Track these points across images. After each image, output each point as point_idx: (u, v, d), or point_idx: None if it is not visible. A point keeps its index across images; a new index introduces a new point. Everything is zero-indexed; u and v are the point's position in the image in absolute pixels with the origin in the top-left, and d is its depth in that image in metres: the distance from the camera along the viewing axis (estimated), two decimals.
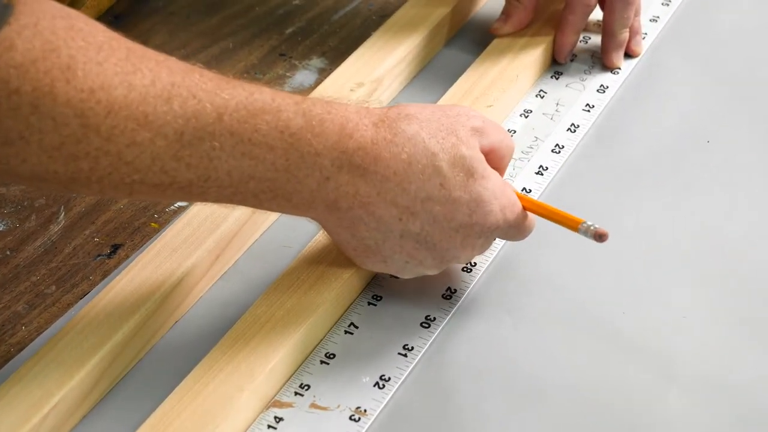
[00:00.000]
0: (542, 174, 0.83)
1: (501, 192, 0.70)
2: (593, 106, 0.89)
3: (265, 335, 0.69)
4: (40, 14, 0.59)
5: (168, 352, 0.72)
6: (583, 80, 0.92)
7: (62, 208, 0.81)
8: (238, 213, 0.76)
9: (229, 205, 0.67)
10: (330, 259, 0.74)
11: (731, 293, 0.75)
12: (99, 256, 0.78)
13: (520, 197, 0.72)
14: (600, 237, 0.69)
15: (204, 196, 0.66)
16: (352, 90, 0.87)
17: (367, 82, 0.88)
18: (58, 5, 0.60)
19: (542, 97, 0.90)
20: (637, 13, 0.92)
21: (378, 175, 0.67)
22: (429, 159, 0.68)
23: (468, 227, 0.69)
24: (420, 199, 0.68)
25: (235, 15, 1.00)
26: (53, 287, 0.75)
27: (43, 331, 0.72)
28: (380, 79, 0.88)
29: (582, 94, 0.90)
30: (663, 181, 0.83)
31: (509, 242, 0.77)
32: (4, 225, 0.80)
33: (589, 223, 0.69)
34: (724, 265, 0.77)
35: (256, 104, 0.65)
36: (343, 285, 0.72)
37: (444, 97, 0.87)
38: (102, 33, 0.62)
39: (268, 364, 0.68)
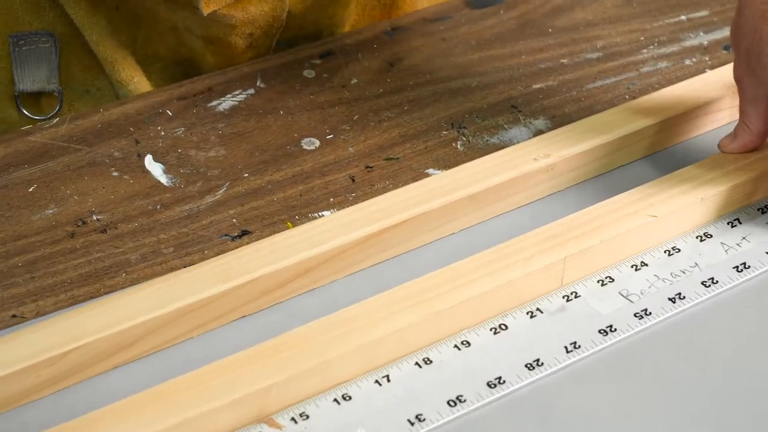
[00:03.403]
0: (642, 317, 0.78)
1: None
2: (748, 267, 0.81)
3: (305, 348, 0.72)
4: None
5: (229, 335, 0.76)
6: None
7: (228, 184, 0.87)
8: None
9: None
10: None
11: None
12: (225, 236, 0.83)
13: None
14: None
15: None
16: (535, 159, 0.86)
17: (555, 155, 0.86)
18: None
19: (702, 240, 0.84)
20: None
21: None
22: None
23: None
24: None
25: (501, 57, 1.01)
26: (171, 249, 0.82)
27: (137, 284, 0.79)
28: (568, 158, 0.86)
29: (748, 254, 0.82)
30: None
31: None
32: (172, 182, 0.87)
33: None
34: None
35: None
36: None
37: (609, 200, 0.83)
38: None
39: (274, 379, 0.70)
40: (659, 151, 0.91)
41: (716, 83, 0.93)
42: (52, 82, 0.96)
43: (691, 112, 0.91)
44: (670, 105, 0.91)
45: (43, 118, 0.96)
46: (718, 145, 0.87)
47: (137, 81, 0.97)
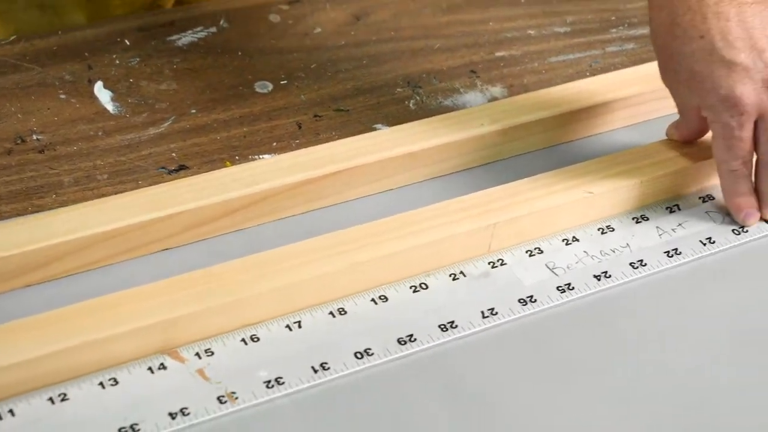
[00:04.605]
0: (565, 291, 0.77)
1: None
2: (679, 253, 0.81)
3: (219, 285, 0.71)
4: None
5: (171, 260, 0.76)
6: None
7: (174, 118, 0.87)
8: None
9: None
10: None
11: None
12: (162, 168, 0.83)
13: None
14: None
15: None
16: (482, 125, 0.85)
17: (502, 123, 0.86)
18: None
19: (638, 222, 0.83)
20: None
21: None
22: None
23: None
24: None
25: (469, 22, 1.00)
26: (105, 176, 0.81)
27: (65, 206, 0.79)
28: (514, 127, 0.86)
29: (682, 240, 0.81)
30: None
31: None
32: (118, 110, 0.87)
33: None
34: None
35: None
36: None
37: (549, 172, 0.82)
38: None
39: (181, 312, 0.70)
40: (610, 131, 0.90)
41: None
42: None
43: (641, 96, 0.90)
44: (625, 86, 0.90)
45: None
46: (666, 131, 0.87)
47: None
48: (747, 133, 0.80)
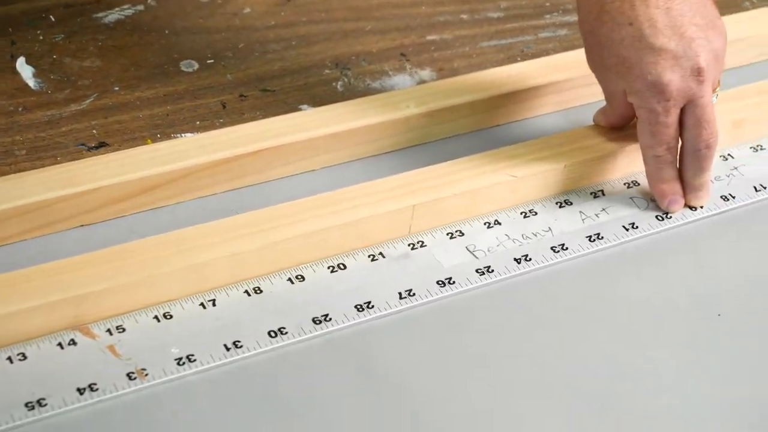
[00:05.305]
0: (484, 274, 0.77)
1: None
2: (601, 238, 0.81)
3: (132, 262, 0.71)
4: None
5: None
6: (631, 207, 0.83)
7: (96, 95, 0.86)
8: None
9: None
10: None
11: None
12: (82, 144, 0.82)
13: None
14: None
15: None
16: (407, 107, 0.85)
17: (428, 106, 0.85)
18: None
19: (561, 206, 0.83)
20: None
21: None
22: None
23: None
24: None
25: (401, 4, 1.00)
26: (23, 151, 0.80)
27: None
28: (440, 111, 0.85)
29: (605, 225, 0.81)
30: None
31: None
32: (39, 86, 0.86)
33: None
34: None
35: None
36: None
37: (472, 156, 0.82)
38: None
39: (93, 288, 0.69)
40: (538, 116, 0.90)
41: None
42: None
43: (571, 81, 0.90)
44: (555, 71, 0.90)
45: None
46: (593, 117, 0.87)
47: None
48: (672, 119, 0.80)
